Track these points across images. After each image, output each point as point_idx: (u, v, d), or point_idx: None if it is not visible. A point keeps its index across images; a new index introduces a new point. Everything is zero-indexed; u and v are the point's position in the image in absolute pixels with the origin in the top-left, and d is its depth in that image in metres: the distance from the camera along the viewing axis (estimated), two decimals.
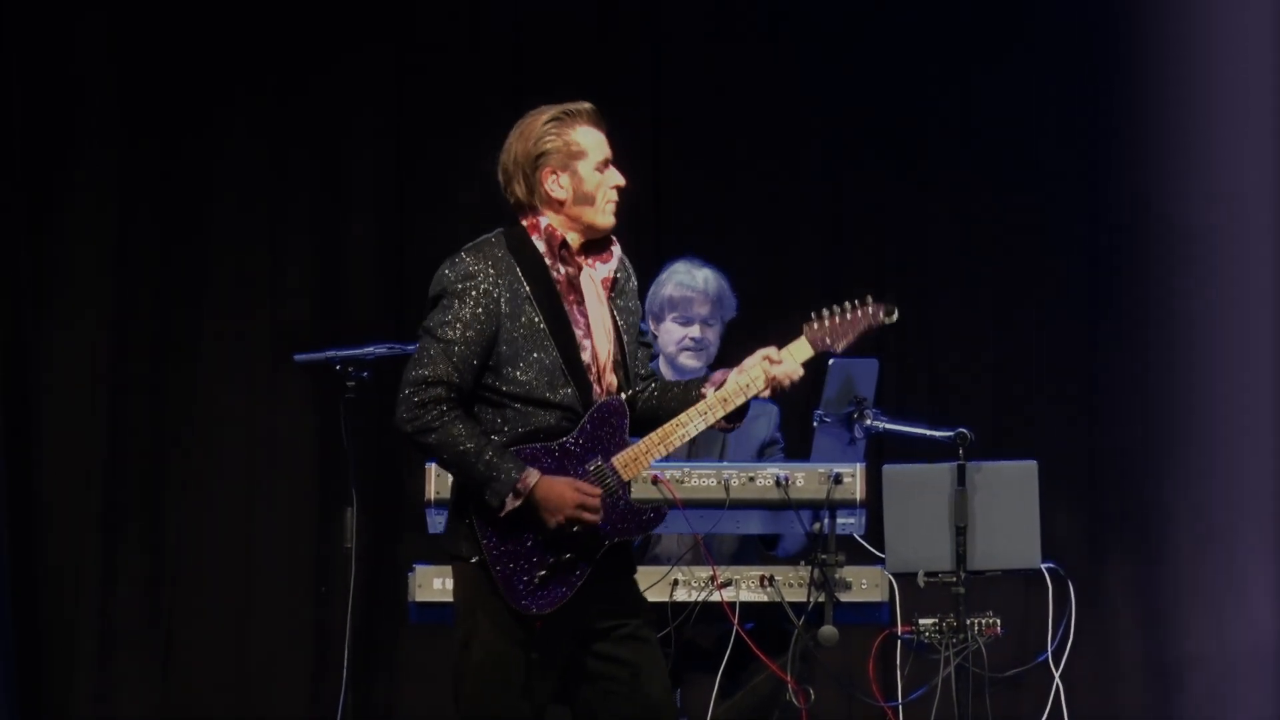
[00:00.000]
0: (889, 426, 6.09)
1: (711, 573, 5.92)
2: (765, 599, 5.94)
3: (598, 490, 4.77)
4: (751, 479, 5.92)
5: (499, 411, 4.81)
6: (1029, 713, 6.64)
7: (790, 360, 4.89)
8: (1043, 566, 6.13)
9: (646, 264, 6.34)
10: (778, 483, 5.91)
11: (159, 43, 8.19)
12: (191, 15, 8.19)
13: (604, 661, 4.83)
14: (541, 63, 8.22)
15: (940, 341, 8.28)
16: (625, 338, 4.94)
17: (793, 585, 5.96)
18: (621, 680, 4.83)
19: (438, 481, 5.83)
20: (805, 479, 5.93)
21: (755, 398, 4.89)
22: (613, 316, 4.92)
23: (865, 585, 6.00)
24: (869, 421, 6.05)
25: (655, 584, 5.81)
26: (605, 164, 4.90)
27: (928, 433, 6.11)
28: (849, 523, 5.95)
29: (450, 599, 5.10)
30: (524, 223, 4.91)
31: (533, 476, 4.72)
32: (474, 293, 4.79)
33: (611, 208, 4.91)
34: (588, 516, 4.74)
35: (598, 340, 4.88)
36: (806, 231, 8.35)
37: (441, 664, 4.89)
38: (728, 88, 8.32)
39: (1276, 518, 8.07)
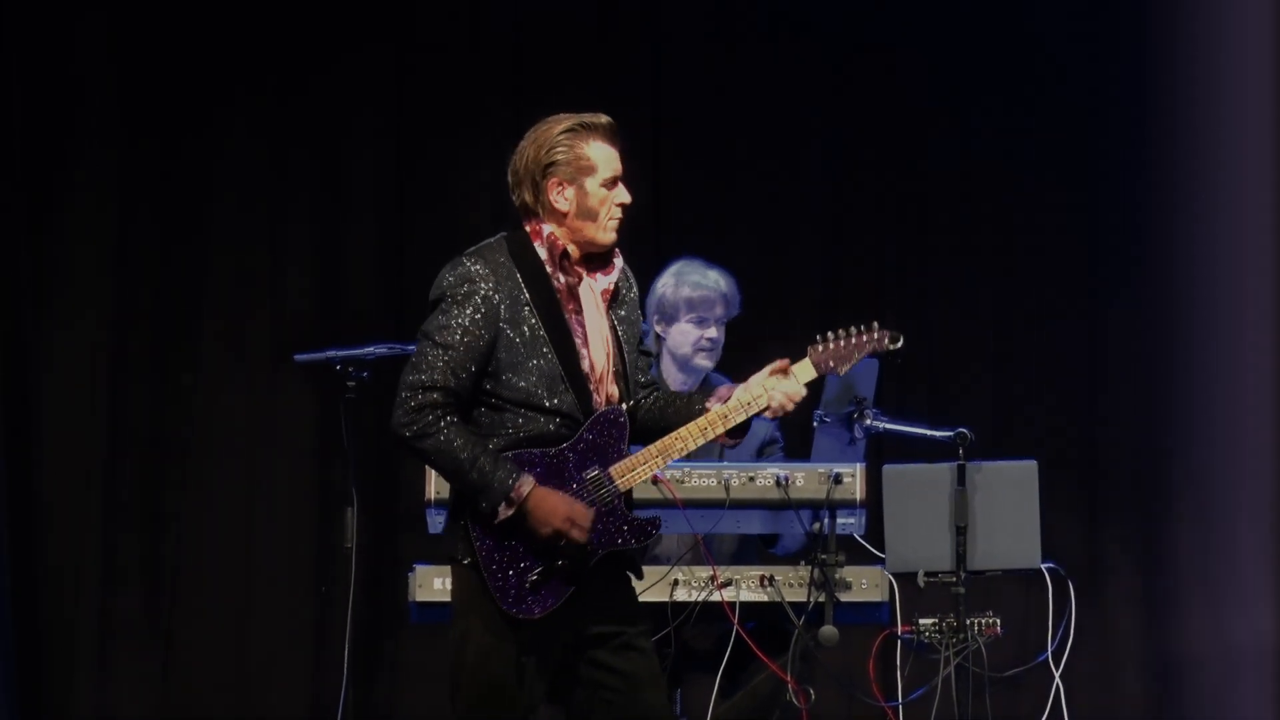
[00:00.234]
0: (889, 426, 6.09)
1: (711, 572, 5.91)
2: (765, 599, 5.94)
3: (590, 510, 4.77)
4: (751, 479, 5.92)
5: (497, 416, 4.80)
6: (1029, 713, 6.64)
7: (793, 380, 4.90)
8: (1043, 566, 6.13)
9: (646, 264, 6.34)
10: (778, 483, 5.91)
11: (159, 43, 8.19)
12: (191, 15, 8.19)
13: (601, 670, 4.83)
14: (541, 63, 8.22)
15: (940, 341, 8.28)
16: (626, 348, 4.94)
17: (793, 585, 5.96)
18: (618, 690, 4.82)
19: (438, 481, 5.83)
20: (805, 479, 5.93)
21: (758, 416, 4.89)
22: (612, 327, 4.92)
23: (865, 585, 6.00)
24: (869, 421, 6.05)
25: (655, 584, 5.81)
26: (614, 181, 4.88)
27: (928, 433, 6.11)
28: (849, 523, 5.95)
29: (450, 599, 5.10)
30: (527, 228, 4.90)
31: (527, 486, 4.72)
32: (473, 298, 4.78)
33: (614, 224, 4.89)
34: (575, 534, 4.74)
35: (595, 350, 4.87)
36: (806, 231, 8.35)
37: (442, 664, 4.89)
38: (728, 88, 8.32)
39: (1276, 518, 8.07)
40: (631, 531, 4.83)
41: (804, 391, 4.91)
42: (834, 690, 6.46)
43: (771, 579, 5.95)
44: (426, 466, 5.75)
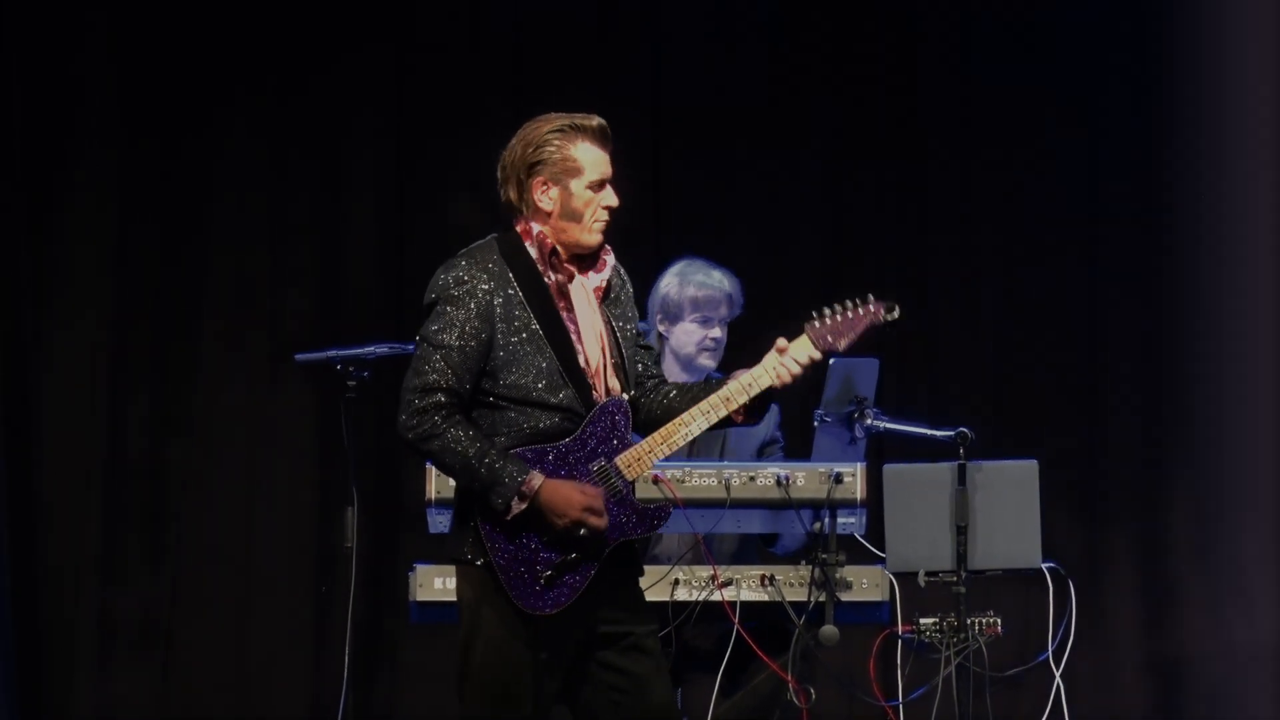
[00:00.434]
0: (889, 426, 6.09)
1: (712, 572, 5.92)
2: (766, 598, 5.94)
3: (602, 493, 4.77)
4: (752, 478, 5.92)
5: (499, 415, 4.81)
6: (1029, 713, 6.64)
7: (790, 359, 4.89)
8: (1043, 566, 6.13)
9: (646, 264, 6.35)
10: (778, 482, 5.91)
11: (159, 43, 8.19)
12: (191, 15, 8.19)
13: (609, 671, 4.83)
14: (541, 63, 8.22)
15: (940, 341, 8.28)
16: (622, 342, 4.94)
17: (793, 585, 5.96)
18: (627, 691, 4.83)
19: (438, 481, 5.83)
20: (806, 478, 5.93)
21: (768, 398, 4.88)
22: (607, 323, 4.92)
23: (866, 585, 6.00)
24: (869, 421, 6.05)
25: (656, 584, 5.81)
26: (601, 184, 4.88)
27: (928, 432, 6.11)
28: (849, 522, 5.95)
29: (451, 598, 5.10)
30: (518, 228, 4.91)
31: (537, 479, 4.72)
32: (469, 298, 4.79)
33: (599, 226, 4.88)
34: (593, 520, 4.75)
35: (589, 346, 4.87)
36: (806, 231, 8.35)
37: (442, 664, 4.90)
38: (728, 88, 8.32)
39: (1277, 518, 8.07)
40: (641, 520, 4.83)
41: (806, 358, 4.88)
42: (834, 690, 6.46)
43: (772, 578, 5.95)
44: (427, 466, 5.77)
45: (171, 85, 8.20)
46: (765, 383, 4.86)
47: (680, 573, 5.94)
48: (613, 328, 4.93)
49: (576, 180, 4.85)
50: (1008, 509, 6.00)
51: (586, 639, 4.82)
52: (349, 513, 6.25)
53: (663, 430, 4.86)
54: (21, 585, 8.00)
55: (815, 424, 6.13)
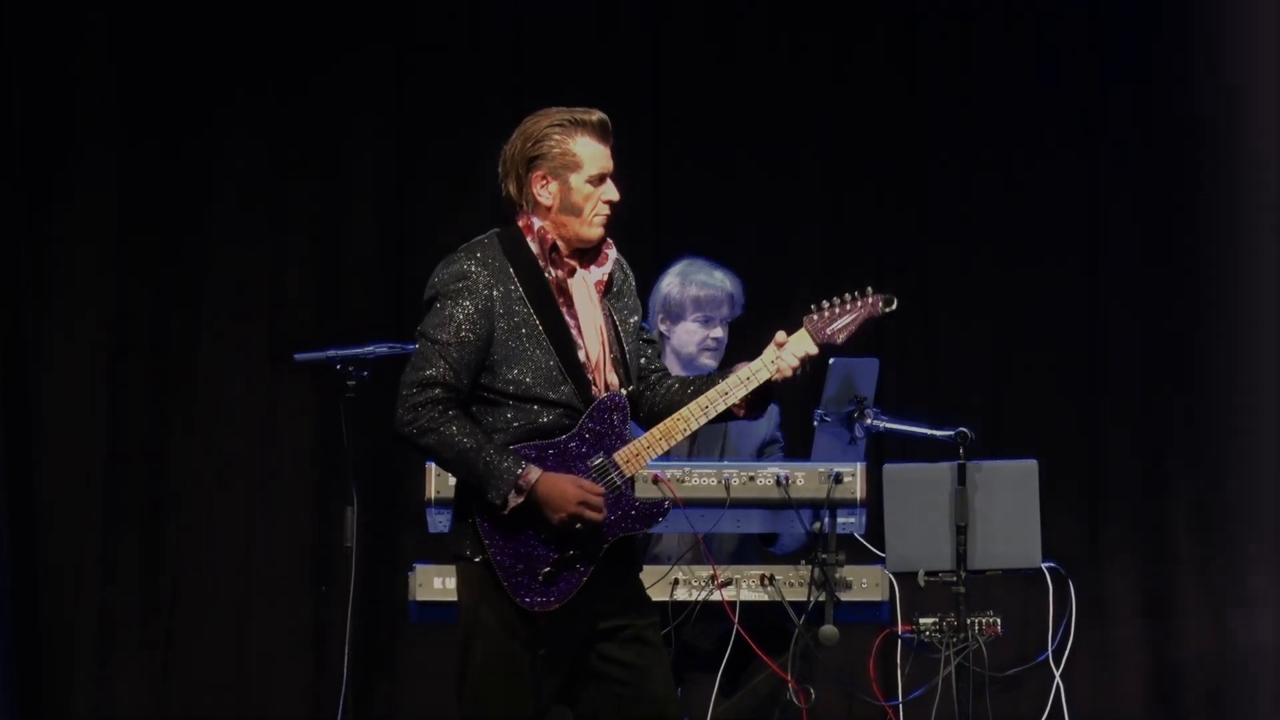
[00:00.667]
0: (889, 426, 6.09)
1: (712, 572, 5.92)
2: (765, 598, 5.94)
3: (600, 488, 4.77)
4: (752, 478, 5.92)
5: (498, 411, 4.81)
6: (1029, 713, 6.64)
7: (789, 352, 4.88)
8: (1043, 566, 6.14)
9: (646, 263, 6.34)
10: (778, 482, 5.91)
11: (159, 43, 8.19)
12: (191, 15, 8.19)
13: (609, 664, 4.83)
14: (541, 63, 8.22)
15: (940, 341, 8.28)
16: (624, 337, 4.94)
17: (793, 584, 5.96)
18: (627, 683, 4.83)
19: (438, 481, 5.83)
20: (805, 478, 5.93)
21: (767, 393, 4.88)
22: (609, 317, 4.92)
23: (865, 584, 6.00)
24: (869, 421, 6.05)
25: (655, 583, 5.81)
26: (601, 178, 4.88)
27: (928, 432, 6.11)
28: (849, 522, 5.95)
29: (451, 598, 5.10)
30: (520, 223, 4.91)
31: (534, 473, 4.72)
32: (468, 294, 4.79)
33: (600, 220, 4.88)
34: (590, 514, 4.74)
35: (589, 341, 4.87)
36: (806, 231, 8.35)
37: (442, 664, 4.90)
38: (728, 88, 8.32)
39: (1277, 518, 8.07)
40: (640, 516, 4.83)
41: (805, 352, 4.88)
42: (834, 689, 6.47)
43: (772, 578, 5.95)
44: (427, 466, 5.77)
45: (171, 85, 8.20)
46: (764, 376, 4.87)
47: (680, 572, 5.94)
48: (613, 322, 4.93)
49: (576, 175, 4.86)
50: (1007, 509, 6.01)
51: (587, 636, 4.81)
52: (349, 513, 6.25)
53: (662, 426, 4.86)
54: (21, 585, 8.00)
55: (815, 424, 6.13)
